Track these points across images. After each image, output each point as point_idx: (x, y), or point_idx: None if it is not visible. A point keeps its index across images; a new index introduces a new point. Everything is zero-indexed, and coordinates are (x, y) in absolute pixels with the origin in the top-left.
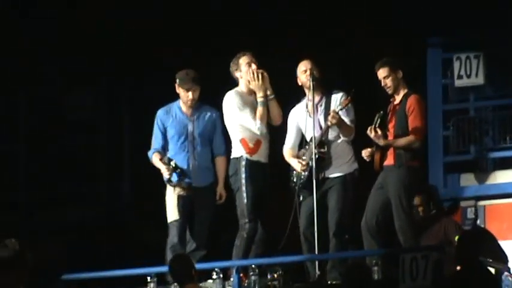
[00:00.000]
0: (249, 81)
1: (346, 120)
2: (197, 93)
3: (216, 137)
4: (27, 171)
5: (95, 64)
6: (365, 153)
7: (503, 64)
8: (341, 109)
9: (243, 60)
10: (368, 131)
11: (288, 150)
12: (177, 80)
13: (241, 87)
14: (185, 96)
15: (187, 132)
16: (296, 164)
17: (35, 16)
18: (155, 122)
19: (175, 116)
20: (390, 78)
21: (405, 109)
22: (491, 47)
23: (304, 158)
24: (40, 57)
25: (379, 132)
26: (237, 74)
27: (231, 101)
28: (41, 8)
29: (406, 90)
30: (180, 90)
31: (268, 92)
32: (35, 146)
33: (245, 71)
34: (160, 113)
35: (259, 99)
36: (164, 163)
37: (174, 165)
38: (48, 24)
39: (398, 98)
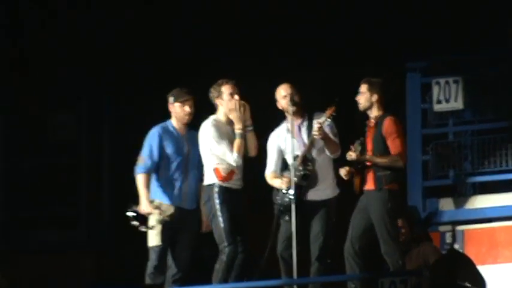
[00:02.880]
0: (229, 111)
1: (330, 134)
2: (192, 106)
3: (201, 161)
4: (5, 191)
5: (76, 85)
6: (343, 171)
7: (482, 89)
8: (325, 120)
9: (226, 89)
10: (347, 156)
11: (270, 173)
12: (171, 98)
13: (220, 115)
14: (182, 111)
15: (183, 153)
16: (279, 183)
17: (14, 35)
18: (152, 138)
19: (172, 135)
20: (364, 96)
21: (382, 132)
22: (470, 72)
23: (287, 175)
24: (23, 77)
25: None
26: (217, 101)
27: (208, 132)
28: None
29: (381, 113)
30: (175, 107)
31: (247, 123)
32: (13, 165)
33: (227, 100)
34: (159, 130)
35: (238, 131)
36: (149, 201)
37: (158, 203)
38: (26, 43)
39: (373, 121)
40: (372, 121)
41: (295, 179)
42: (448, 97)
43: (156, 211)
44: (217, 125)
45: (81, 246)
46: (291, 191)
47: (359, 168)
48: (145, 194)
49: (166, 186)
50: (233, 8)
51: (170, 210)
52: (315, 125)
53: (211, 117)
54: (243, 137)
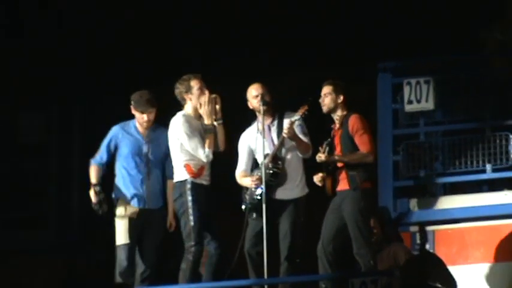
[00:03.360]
0: (200, 105)
1: (301, 135)
2: (152, 114)
3: (168, 159)
4: None
5: (47, 87)
6: (317, 178)
7: (453, 89)
8: (297, 119)
9: (195, 84)
10: (317, 157)
11: (240, 173)
12: (132, 102)
13: (188, 109)
14: (140, 118)
15: (141, 153)
16: (248, 182)
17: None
18: (108, 135)
19: (130, 135)
20: (330, 97)
21: (348, 131)
22: (441, 72)
23: (256, 173)
24: None
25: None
26: (186, 96)
27: (179, 127)
28: None
29: (345, 113)
30: (135, 112)
31: (217, 116)
32: None
33: (197, 95)
34: (115, 129)
35: (208, 127)
36: (93, 188)
37: (98, 189)
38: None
39: (338, 122)
40: (337, 122)
41: (265, 177)
42: (419, 97)
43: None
44: (188, 121)
45: (51, 247)
46: (259, 190)
47: (329, 169)
48: (92, 183)
49: (129, 187)
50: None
51: (135, 210)
52: (286, 124)
53: (181, 113)
54: (213, 132)
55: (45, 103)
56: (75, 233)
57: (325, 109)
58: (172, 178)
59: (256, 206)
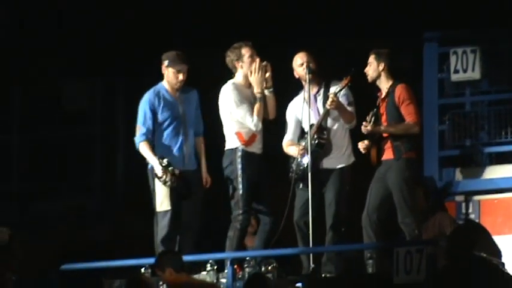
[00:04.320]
0: (250, 73)
1: (345, 103)
2: (186, 74)
3: (197, 117)
4: (20, 162)
5: (91, 55)
6: (361, 145)
7: (499, 59)
8: (340, 90)
9: (246, 52)
10: (362, 128)
11: (287, 142)
12: (166, 62)
13: (239, 78)
14: (175, 78)
15: (178, 115)
16: (294, 150)
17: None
18: (144, 105)
19: (165, 99)
20: (372, 66)
21: (394, 100)
22: (488, 42)
23: (302, 143)
24: (37, 48)
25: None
26: (237, 64)
27: (228, 95)
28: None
29: (391, 82)
30: (168, 72)
31: (268, 85)
32: (29, 136)
33: (248, 63)
34: (150, 96)
35: (258, 95)
36: (158, 161)
37: (166, 163)
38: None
39: (384, 91)
40: (383, 91)
41: (310, 147)
42: (465, 67)
43: (167, 175)
44: (237, 89)
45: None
46: (305, 159)
47: (375, 139)
48: (153, 159)
49: (171, 150)
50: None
51: (175, 174)
52: (331, 95)
53: (231, 81)
54: (263, 100)
55: (90, 71)
56: (120, 201)
57: (369, 78)
58: (201, 135)
59: (302, 175)
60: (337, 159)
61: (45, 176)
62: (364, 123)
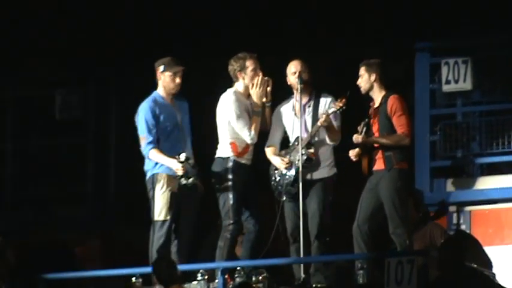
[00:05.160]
0: (252, 85)
1: (334, 124)
2: (182, 77)
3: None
4: (13, 170)
5: (84, 64)
6: (352, 152)
7: (491, 69)
8: (335, 111)
9: (250, 64)
10: (354, 138)
11: (270, 149)
12: (161, 67)
13: (239, 87)
14: (172, 82)
15: (177, 122)
16: (278, 162)
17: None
18: (145, 114)
19: (164, 106)
20: (363, 78)
21: (387, 111)
22: (479, 52)
23: (288, 156)
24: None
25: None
26: (239, 75)
27: (230, 104)
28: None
29: (384, 93)
30: (165, 76)
31: (267, 99)
32: (22, 145)
33: (250, 76)
34: (149, 104)
35: (257, 109)
36: (175, 159)
37: (184, 158)
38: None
39: (377, 102)
40: (376, 102)
41: (297, 161)
42: (456, 78)
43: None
44: (238, 100)
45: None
46: (290, 172)
47: (366, 149)
48: (168, 160)
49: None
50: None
51: (175, 182)
52: (323, 115)
53: (231, 90)
54: (261, 115)
55: (82, 79)
56: (112, 210)
57: (362, 90)
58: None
59: (286, 187)
60: (320, 170)
61: (39, 184)
62: (356, 134)
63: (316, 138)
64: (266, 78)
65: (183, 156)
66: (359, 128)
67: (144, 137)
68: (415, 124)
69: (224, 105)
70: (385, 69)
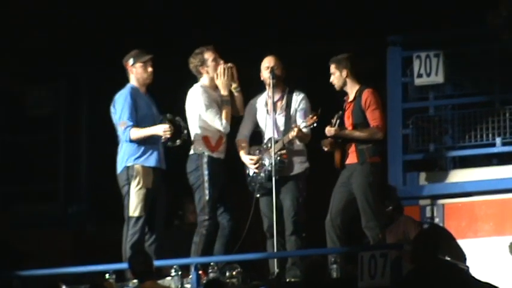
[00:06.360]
0: (216, 76)
1: (305, 131)
2: (152, 65)
3: None
4: None
5: (55, 61)
6: (324, 143)
7: (462, 63)
8: (305, 127)
9: (209, 56)
10: (327, 131)
11: (241, 143)
12: (131, 60)
13: (205, 81)
14: (144, 72)
15: (153, 113)
16: (248, 162)
17: None
18: (125, 102)
19: (141, 97)
20: (335, 76)
21: (361, 105)
22: (451, 46)
23: (258, 154)
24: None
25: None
26: (202, 69)
27: (197, 98)
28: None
29: (357, 87)
30: (136, 68)
31: (234, 85)
32: None
33: (212, 66)
34: (128, 92)
35: (225, 98)
36: (161, 124)
37: (170, 117)
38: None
39: (351, 96)
40: (350, 95)
41: (268, 162)
42: (428, 71)
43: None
44: (206, 92)
45: (59, 222)
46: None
47: (339, 143)
48: (153, 128)
49: (147, 148)
50: None
51: (150, 176)
52: (295, 129)
53: (198, 85)
54: (230, 103)
55: (54, 77)
56: (83, 205)
57: (336, 87)
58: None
59: (262, 183)
60: (292, 167)
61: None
62: (328, 126)
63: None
64: (229, 65)
65: (169, 116)
66: (332, 121)
67: (124, 122)
68: (387, 118)
69: (192, 99)
70: (356, 61)
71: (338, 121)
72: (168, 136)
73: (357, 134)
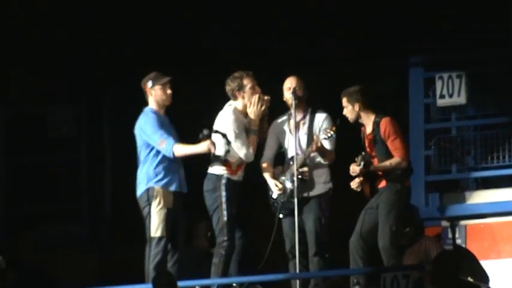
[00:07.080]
0: (249, 104)
1: (328, 146)
2: (171, 87)
3: None
4: (8, 189)
5: (76, 81)
6: (354, 184)
7: (485, 83)
8: (325, 138)
9: (248, 82)
10: (351, 170)
11: (266, 165)
12: (149, 82)
13: (238, 105)
14: (164, 94)
15: (175, 137)
16: (273, 186)
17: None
18: (153, 122)
19: (162, 119)
20: (348, 109)
21: (381, 135)
22: (474, 67)
23: (283, 178)
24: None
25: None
26: (238, 94)
27: (228, 124)
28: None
29: (373, 117)
30: (155, 90)
31: (265, 115)
32: (15, 164)
33: (249, 93)
34: (152, 113)
35: (254, 128)
36: (201, 135)
37: (208, 132)
38: (28, 41)
39: (368, 128)
40: (367, 127)
41: (291, 183)
42: (451, 92)
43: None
44: (238, 118)
45: (83, 243)
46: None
47: (366, 177)
48: (196, 146)
49: (169, 172)
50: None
51: (170, 197)
52: (316, 140)
53: (231, 108)
54: (257, 133)
55: (75, 97)
56: (107, 227)
57: (350, 120)
58: None
59: (284, 204)
60: (315, 188)
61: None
62: (352, 166)
63: (310, 158)
64: (266, 97)
65: (206, 131)
66: (356, 160)
67: (164, 140)
68: (409, 139)
69: (223, 123)
70: (369, 92)
71: (362, 162)
72: (214, 152)
73: (381, 168)
